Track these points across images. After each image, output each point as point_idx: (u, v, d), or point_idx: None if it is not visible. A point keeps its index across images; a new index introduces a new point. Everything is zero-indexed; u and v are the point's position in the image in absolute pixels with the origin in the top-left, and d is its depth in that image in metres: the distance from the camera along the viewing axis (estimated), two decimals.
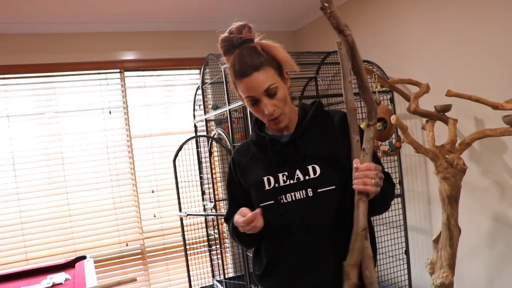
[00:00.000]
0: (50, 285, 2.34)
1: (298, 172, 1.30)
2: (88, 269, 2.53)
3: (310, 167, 1.30)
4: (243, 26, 1.30)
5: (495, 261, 2.40)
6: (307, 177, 1.29)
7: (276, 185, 1.31)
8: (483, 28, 2.30)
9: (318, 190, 1.28)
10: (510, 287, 2.32)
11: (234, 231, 1.39)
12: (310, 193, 1.28)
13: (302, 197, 1.29)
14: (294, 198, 1.29)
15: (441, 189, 2.08)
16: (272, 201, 1.31)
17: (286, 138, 1.36)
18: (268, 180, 1.33)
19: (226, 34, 1.31)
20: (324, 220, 1.29)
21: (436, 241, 2.17)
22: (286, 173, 1.31)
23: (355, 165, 1.17)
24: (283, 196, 1.30)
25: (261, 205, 1.32)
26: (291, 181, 1.30)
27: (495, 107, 1.82)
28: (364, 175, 1.15)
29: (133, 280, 2.09)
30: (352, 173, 1.19)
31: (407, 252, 2.94)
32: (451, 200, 2.06)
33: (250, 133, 1.53)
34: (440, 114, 2.25)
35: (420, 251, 2.92)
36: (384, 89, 2.65)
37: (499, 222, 2.36)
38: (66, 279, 2.43)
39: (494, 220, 2.38)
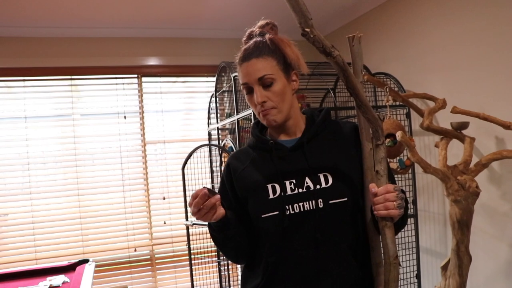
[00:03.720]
0: (47, 287, 2.33)
1: (307, 180, 1.18)
2: (86, 273, 2.50)
3: (321, 175, 1.18)
4: (266, 24, 1.29)
5: None
6: (318, 186, 1.17)
7: (282, 193, 1.18)
8: (509, 43, 2.14)
9: (330, 202, 1.16)
10: None
11: (212, 234, 1.25)
12: (321, 204, 1.16)
13: (311, 208, 1.16)
14: (302, 209, 1.16)
15: (452, 212, 1.93)
16: (277, 212, 1.17)
17: (292, 143, 1.24)
18: (273, 187, 1.19)
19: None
20: (333, 235, 1.17)
21: (444, 267, 2.02)
22: (293, 181, 1.19)
23: (372, 190, 1.07)
24: (290, 206, 1.16)
25: (263, 216, 1.19)
26: (300, 190, 1.17)
27: (507, 126, 1.66)
28: (384, 199, 1.06)
29: None
30: (367, 198, 1.12)
31: (418, 276, 2.77)
32: (462, 225, 1.90)
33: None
34: (457, 131, 2.11)
35: (433, 275, 2.74)
36: (397, 103, 2.52)
37: None
38: (64, 282, 2.41)
39: None
